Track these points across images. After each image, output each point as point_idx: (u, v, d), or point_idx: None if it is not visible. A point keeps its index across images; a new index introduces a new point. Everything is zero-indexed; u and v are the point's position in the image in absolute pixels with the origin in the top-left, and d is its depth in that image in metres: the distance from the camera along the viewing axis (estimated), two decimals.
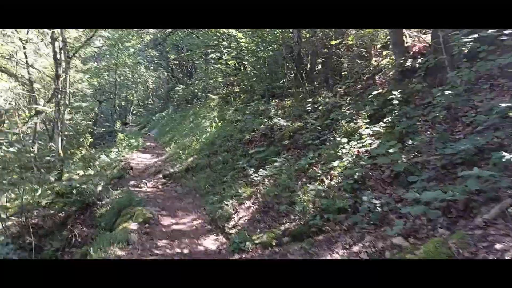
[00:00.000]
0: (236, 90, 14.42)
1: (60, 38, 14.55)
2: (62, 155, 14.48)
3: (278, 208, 5.47)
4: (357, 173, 5.10)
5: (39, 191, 8.94)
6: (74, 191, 8.44)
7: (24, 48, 15.04)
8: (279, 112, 9.40)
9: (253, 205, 5.94)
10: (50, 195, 9.14)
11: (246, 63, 15.59)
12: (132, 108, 31.87)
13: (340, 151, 5.89)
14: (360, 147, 5.71)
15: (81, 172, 12.46)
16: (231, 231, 5.53)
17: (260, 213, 5.63)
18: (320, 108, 8.04)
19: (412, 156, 4.92)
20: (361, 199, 4.69)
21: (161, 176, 9.64)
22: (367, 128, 6.00)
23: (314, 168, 6.08)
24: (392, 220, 4.23)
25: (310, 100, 8.80)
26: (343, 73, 9.50)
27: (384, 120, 5.96)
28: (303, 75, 10.93)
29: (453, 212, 3.82)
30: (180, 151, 11.00)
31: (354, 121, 6.56)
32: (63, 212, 8.11)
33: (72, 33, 17.71)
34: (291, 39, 11.56)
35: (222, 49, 15.13)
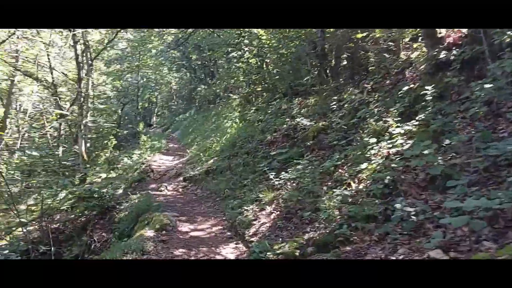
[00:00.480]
0: (258, 89, 14.06)
1: (82, 41, 14.60)
2: (85, 158, 14.53)
3: (301, 215, 5.09)
4: (387, 177, 4.66)
5: (62, 195, 8.87)
6: (95, 195, 8.30)
7: (47, 51, 15.17)
8: (302, 111, 8.99)
9: (275, 211, 5.57)
10: (72, 198, 9.04)
11: (268, 61, 15.22)
12: (156, 109, 32.02)
13: (369, 152, 5.45)
14: (391, 148, 5.25)
15: (103, 175, 12.39)
16: (251, 239, 5.18)
17: (282, 219, 5.26)
18: (346, 106, 7.59)
19: (449, 158, 4.45)
20: (393, 206, 4.24)
21: (181, 178, 9.41)
22: (398, 127, 5.53)
23: (340, 171, 5.67)
24: (429, 230, 3.77)
25: (335, 97, 8.36)
26: (370, 68, 8.99)
27: (417, 118, 5.46)
28: (327, 71, 10.49)
29: (500, 222, 3.36)
30: (201, 153, 10.74)
31: (383, 119, 6.09)
32: (84, 217, 7.98)
33: (94, 36, 17.81)
34: (314, 34, 11.14)
35: (243, 47, 14.81)
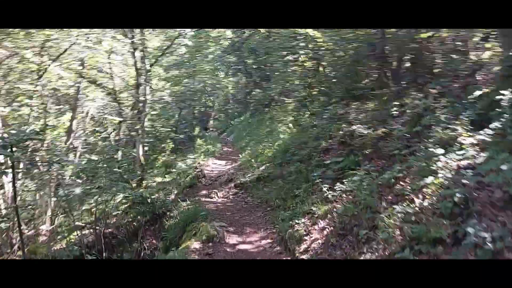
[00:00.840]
0: (313, 93, 13.61)
1: (140, 47, 14.98)
2: (143, 162, 14.86)
3: (357, 233, 4.64)
4: (457, 194, 4.09)
5: (118, 199, 9.03)
6: (149, 200, 8.32)
7: (109, 58, 15.74)
8: (360, 117, 8.46)
9: (328, 226, 5.16)
10: (127, 202, 9.17)
11: (324, 63, 14.73)
12: (212, 113, 32.44)
13: (435, 164, 4.87)
14: (461, 160, 4.65)
15: (159, 179, 12.55)
16: (302, 256, 4.82)
17: (336, 236, 4.84)
18: (408, 111, 6.99)
19: None
20: (464, 228, 3.69)
21: (232, 185, 9.23)
22: (469, 136, 4.92)
23: (402, 184, 5.13)
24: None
25: (396, 102, 7.77)
26: (435, 71, 8.28)
27: (491, 127, 4.82)
28: (388, 74, 9.85)
29: None
30: (252, 159, 10.50)
31: (452, 127, 5.46)
32: (136, 222, 8.02)
33: (154, 42, 18.27)
34: (374, 35, 10.55)
35: (298, 50, 14.44)
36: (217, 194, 8.60)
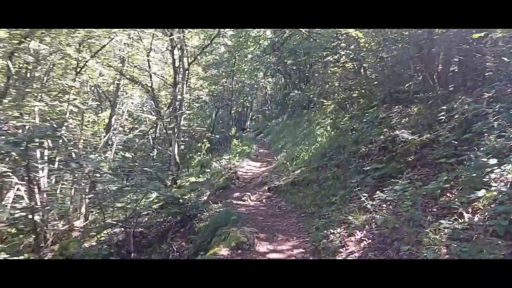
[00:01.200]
0: (354, 95, 13.13)
1: (179, 46, 15.03)
2: (178, 161, 14.89)
3: (398, 248, 4.26)
4: None
5: (151, 197, 9.00)
6: (180, 201, 8.21)
7: (148, 56, 15.92)
8: (402, 121, 7.98)
9: (366, 239, 4.79)
10: (158, 202, 9.11)
11: (366, 65, 14.20)
12: (250, 114, 32.37)
13: (487, 176, 4.41)
14: None
15: (192, 179, 12.49)
16: None
17: (375, 250, 4.47)
18: (456, 117, 6.47)
19: None
20: None
21: (266, 188, 8.97)
22: None
23: (449, 195, 4.71)
24: None
25: (443, 107, 7.23)
26: (487, 74, 7.67)
27: None
28: (434, 76, 9.27)
29: None
30: (288, 162, 10.20)
31: (507, 135, 4.96)
32: (166, 223, 7.93)
33: (193, 41, 18.35)
34: (420, 36, 9.98)
35: (339, 50, 14.00)
36: (250, 197, 8.36)
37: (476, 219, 4.05)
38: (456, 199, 4.53)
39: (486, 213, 4.00)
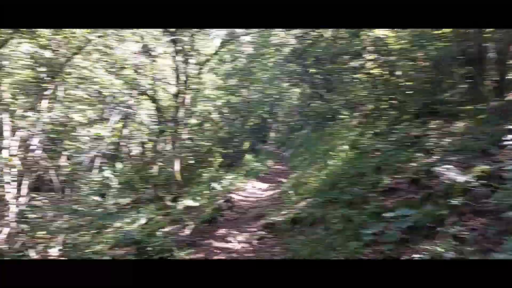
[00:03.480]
0: (381, 106, 11.01)
1: (187, 52, 13.55)
2: (178, 179, 13.20)
3: None
4: None
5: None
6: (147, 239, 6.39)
7: (153, 63, 14.43)
8: (443, 142, 5.88)
9: None
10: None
11: (398, 73, 12.08)
12: (270, 126, 30.60)
13: None
14: None
15: (189, 202, 10.70)
16: None
17: None
18: None
19: None
20: None
21: (262, 223, 7.02)
22: None
23: None
24: None
25: (502, 122, 5.15)
26: None
27: None
28: (484, 84, 7.17)
29: None
30: (291, 190, 8.17)
31: None
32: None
33: (205, 50, 16.76)
34: (465, 34, 7.95)
35: (365, 54, 12.01)
36: (236, 237, 6.42)
37: None
38: None
39: None
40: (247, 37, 20.21)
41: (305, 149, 16.47)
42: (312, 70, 23.00)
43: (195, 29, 13.07)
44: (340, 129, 14.63)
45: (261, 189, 10.65)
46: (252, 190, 10.45)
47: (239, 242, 6.34)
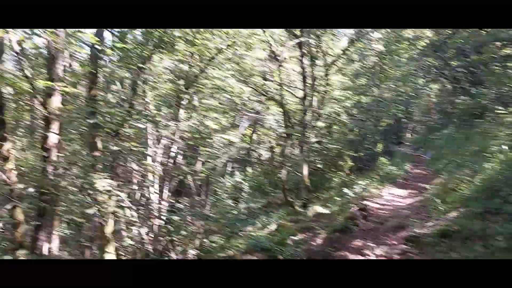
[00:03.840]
0: None
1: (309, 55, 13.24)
2: (307, 184, 12.92)
3: None
4: None
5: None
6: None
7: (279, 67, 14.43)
8: None
9: None
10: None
11: None
12: (409, 125, 28.39)
13: None
14: None
15: (319, 209, 10.31)
16: None
17: None
18: None
19: None
20: None
21: (403, 235, 6.24)
22: None
23: None
24: None
25: None
26: None
27: None
28: None
29: None
30: (438, 198, 7.10)
31: None
32: None
33: (333, 51, 16.25)
34: None
35: None
36: (373, 250, 5.77)
37: None
38: None
39: None
40: (376, 34, 19.07)
41: (449, 151, 14.64)
42: (453, 63, 20.67)
43: (319, 30, 12.63)
44: (493, 126, 12.62)
45: (399, 196, 9.66)
46: (389, 197, 9.55)
47: (377, 256, 5.69)
